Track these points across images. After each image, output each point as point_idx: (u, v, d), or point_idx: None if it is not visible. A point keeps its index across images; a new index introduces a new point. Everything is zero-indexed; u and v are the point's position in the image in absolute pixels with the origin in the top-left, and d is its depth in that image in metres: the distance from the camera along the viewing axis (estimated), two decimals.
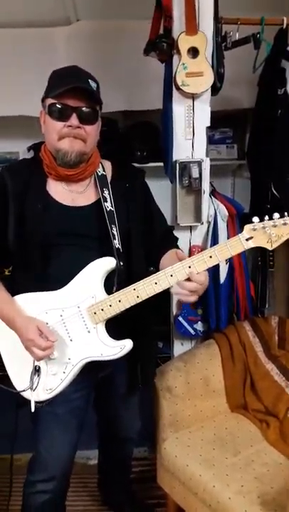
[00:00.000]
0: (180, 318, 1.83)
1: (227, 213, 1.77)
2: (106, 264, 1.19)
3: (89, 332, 1.19)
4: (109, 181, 1.28)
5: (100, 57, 2.13)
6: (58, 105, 1.16)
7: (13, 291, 1.24)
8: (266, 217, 1.08)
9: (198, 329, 1.85)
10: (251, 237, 1.09)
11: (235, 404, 1.70)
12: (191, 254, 1.79)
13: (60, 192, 1.24)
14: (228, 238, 1.77)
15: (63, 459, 1.37)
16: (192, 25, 1.56)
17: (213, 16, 1.63)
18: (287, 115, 1.79)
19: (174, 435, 1.57)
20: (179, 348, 1.90)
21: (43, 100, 1.21)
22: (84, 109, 1.16)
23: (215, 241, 1.75)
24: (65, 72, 1.20)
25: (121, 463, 1.70)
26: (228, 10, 1.70)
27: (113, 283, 1.19)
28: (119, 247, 1.23)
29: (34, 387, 1.21)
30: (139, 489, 1.85)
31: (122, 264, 1.20)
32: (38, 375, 1.21)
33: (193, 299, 1.13)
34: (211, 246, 1.74)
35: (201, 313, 1.83)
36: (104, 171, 1.29)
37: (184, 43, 1.57)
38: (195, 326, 1.84)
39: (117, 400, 1.44)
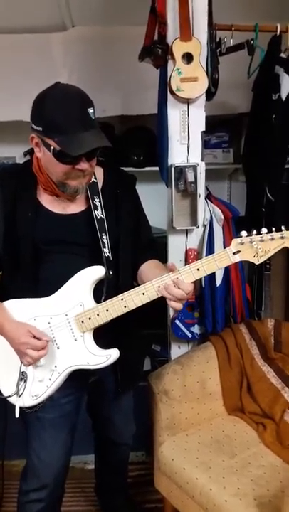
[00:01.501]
0: (177, 322, 1.83)
1: (222, 217, 1.78)
2: (95, 272, 1.19)
3: (76, 340, 1.20)
4: (100, 188, 1.28)
5: (96, 62, 2.15)
6: (67, 155, 1.09)
7: (3, 296, 1.25)
8: (254, 232, 1.10)
9: (194, 332, 1.85)
10: (238, 251, 1.11)
11: (232, 406, 1.70)
12: (187, 257, 1.80)
13: (51, 200, 1.24)
14: (223, 241, 1.79)
15: (55, 466, 1.35)
16: (186, 32, 1.58)
17: (207, 22, 1.65)
18: (282, 119, 1.80)
19: (170, 438, 1.57)
20: (176, 351, 1.91)
21: (35, 129, 1.12)
22: (92, 152, 1.11)
23: (211, 244, 1.76)
24: (64, 110, 1.08)
25: (116, 467, 1.69)
26: (222, 16, 1.72)
27: (102, 291, 1.20)
28: (109, 255, 1.23)
29: (20, 394, 1.21)
30: (136, 493, 1.85)
31: (111, 273, 1.21)
32: (25, 381, 1.21)
33: (178, 306, 1.14)
34: (206, 249, 1.76)
35: (197, 316, 1.84)
36: (95, 178, 1.28)
37: (179, 48, 1.59)
38: (192, 328, 1.84)
39: (107, 403, 1.45)
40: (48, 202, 1.24)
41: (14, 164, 1.37)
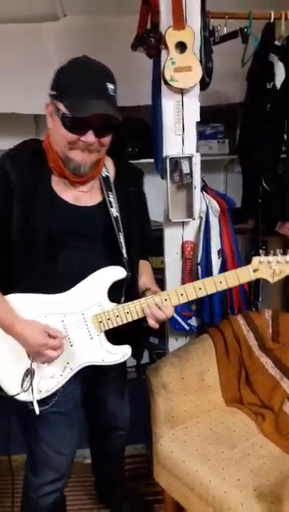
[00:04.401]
0: (174, 314, 1.82)
1: (218, 208, 1.76)
2: (115, 273, 1.18)
3: (92, 339, 1.19)
4: (112, 181, 1.25)
5: (88, 52, 2.10)
6: (72, 118, 1.05)
7: (8, 287, 1.17)
8: (271, 252, 1.21)
9: (192, 324, 1.85)
10: (257, 269, 1.20)
11: (231, 398, 1.70)
12: (184, 249, 1.79)
13: (65, 189, 1.19)
14: (219, 233, 1.78)
15: (71, 456, 1.37)
16: (179, 20, 1.56)
17: (200, 10, 1.62)
18: (277, 109, 1.79)
19: (169, 431, 1.56)
20: (174, 343, 1.90)
21: (50, 94, 1.10)
22: (102, 125, 1.07)
23: (207, 236, 1.75)
24: (81, 77, 1.07)
25: (112, 456, 1.67)
26: (215, 4, 1.69)
27: (115, 291, 1.19)
28: (126, 256, 1.22)
29: (26, 389, 1.18)
30: (136, 486, 1.85)
31: (130, 274, 1.20)
32: (31, 377, 1.18)
33: (155, 325, 1.18)
34: (203, 241, 1.75)
35: (195, 309, 1.83)
36: (107, 171, 1.25)
37: (172, 37, 1.57)
38: (189, 321, 1.84)
39: (101, 385, 1.43)
40: (62, 191, 1.18)
41: (26, 142, 1.24)
